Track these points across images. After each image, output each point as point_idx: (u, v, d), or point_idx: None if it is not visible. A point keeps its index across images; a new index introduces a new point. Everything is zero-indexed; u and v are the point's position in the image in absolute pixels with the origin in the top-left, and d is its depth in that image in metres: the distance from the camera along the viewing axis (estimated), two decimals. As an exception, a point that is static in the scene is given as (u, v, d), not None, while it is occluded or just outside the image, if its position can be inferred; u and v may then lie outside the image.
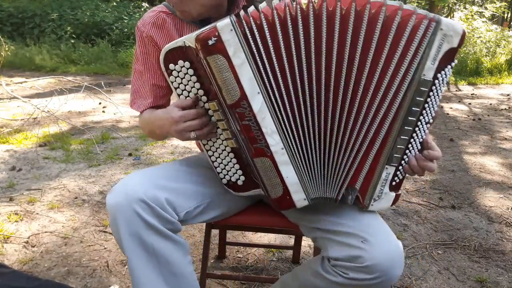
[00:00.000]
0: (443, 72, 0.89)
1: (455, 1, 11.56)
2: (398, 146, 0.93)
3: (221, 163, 1.03)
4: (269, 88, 0.88)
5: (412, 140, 0.95)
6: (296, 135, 0.92)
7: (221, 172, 1.05)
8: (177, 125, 0.97)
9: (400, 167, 0.97)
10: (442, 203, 2.40)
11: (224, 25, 0.83)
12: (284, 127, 0.91)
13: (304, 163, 0.95)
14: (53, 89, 5.04)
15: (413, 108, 0.90)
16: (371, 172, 0.96)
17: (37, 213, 2.10)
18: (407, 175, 1.01)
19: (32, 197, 2.26)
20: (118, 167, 2.79)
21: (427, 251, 1.87)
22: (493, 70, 7.77)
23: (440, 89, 0.91)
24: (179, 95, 0.98)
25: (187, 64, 0.93)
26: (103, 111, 4.30)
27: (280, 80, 0.89)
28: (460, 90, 6.53)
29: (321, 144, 0.94)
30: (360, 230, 0.96)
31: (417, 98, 0.89)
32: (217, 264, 1.74)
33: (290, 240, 1.92)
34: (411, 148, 0.96)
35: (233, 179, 1.05)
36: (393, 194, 0.99)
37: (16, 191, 2.35)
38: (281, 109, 0.90)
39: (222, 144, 1.01)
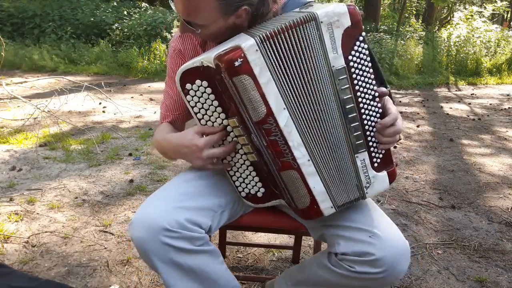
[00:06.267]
0: (353, 52, 0.90)
1: (455, 1, 11.54)
2: (354, 134, 0.94)
3: (240, 176, 1.05)
4: (293, 102, 0.89)
5: (365, 121, 0.95)
6: (320, 144, 0.93)
7: (240, 186, 1.06)
8: (202, 153, 0.98)
9: (372, 148, 0.98)
10: (442, 203, 2.40)
11: (249, 46, 0.84)
12: (309, 139, 0.92)
13: (328, 171, 0.96)
14: (53, 89, 5.04)
15: (344, 97, 0.91)
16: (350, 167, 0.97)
17: (37, 213, 2.10)
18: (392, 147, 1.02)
19: (32, 197, 2.26)
20: (118, 167, 2.79)
21: (427, 251, 1.87)
22: (493, 70, 7.76)
23: (361, 65, 0.91)
24: (195, 113, 0.98)
25: (204, 83, 0.94)
26: (103, 111, 4.31)
27: (301, 93, 0.90)
28: (460, 90, 6.53)
29: (338, 148, 0.95)
30: (368, 224, 0.98)
31: (342, 88, 0.90)
32: (217, 264, 1.74)
33: (290, 240, 1.92)
34: (369, 128, 0.96)
35: (252, 191, 1.06)
36: (383, 173, 1.00)
37: (16, 191, 2.35)
38: (305, 120, 0.91)
39: (241, 158, 1.02)
